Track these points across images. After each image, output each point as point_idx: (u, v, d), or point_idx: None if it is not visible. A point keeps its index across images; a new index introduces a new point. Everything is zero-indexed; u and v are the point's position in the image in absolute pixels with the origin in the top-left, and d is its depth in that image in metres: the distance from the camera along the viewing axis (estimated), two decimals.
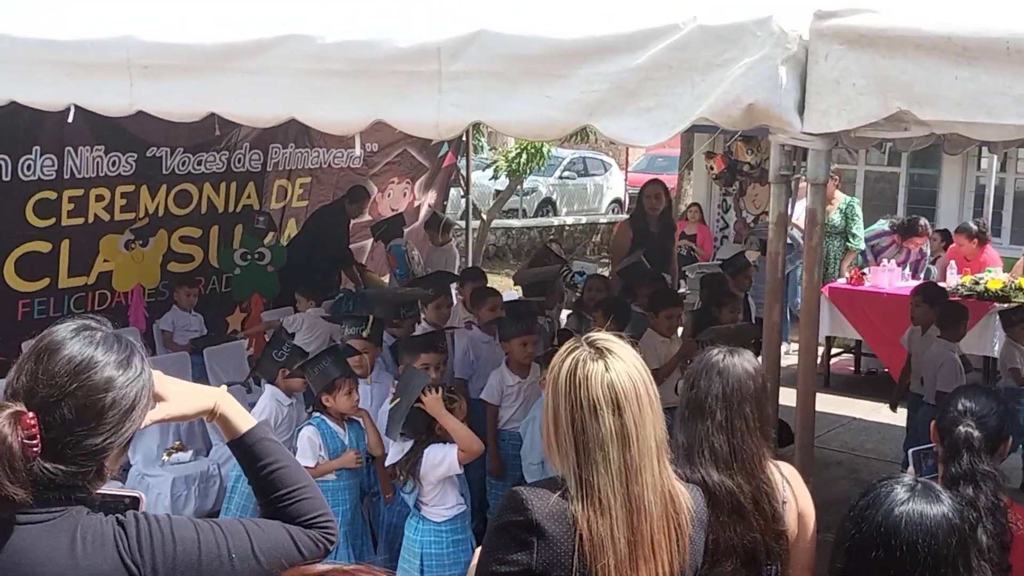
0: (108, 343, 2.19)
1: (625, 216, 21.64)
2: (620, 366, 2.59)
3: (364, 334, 6.39)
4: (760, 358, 3.69)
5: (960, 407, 3.35)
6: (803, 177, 3.90)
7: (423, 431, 5.17)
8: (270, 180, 10.29)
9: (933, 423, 3.46)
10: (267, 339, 9.11)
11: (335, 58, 4.64)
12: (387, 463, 5.36)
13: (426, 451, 5.11)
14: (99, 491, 2.19)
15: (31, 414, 2.04)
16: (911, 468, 3.79)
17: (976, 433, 3.27)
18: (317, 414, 5.76)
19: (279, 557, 2.26)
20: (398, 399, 5.29)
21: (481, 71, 4.30)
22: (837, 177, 12.25)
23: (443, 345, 6.48)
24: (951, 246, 11.22)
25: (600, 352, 2.60)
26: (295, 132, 10.07)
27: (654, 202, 9.72)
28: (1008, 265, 10.61)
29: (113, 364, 2.16)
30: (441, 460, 5.05)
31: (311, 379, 5.77)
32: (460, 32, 4.30)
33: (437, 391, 5.15)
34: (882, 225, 11.72)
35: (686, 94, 3.86)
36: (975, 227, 10.69)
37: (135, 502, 2.24)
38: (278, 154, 10.22)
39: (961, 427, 3.28)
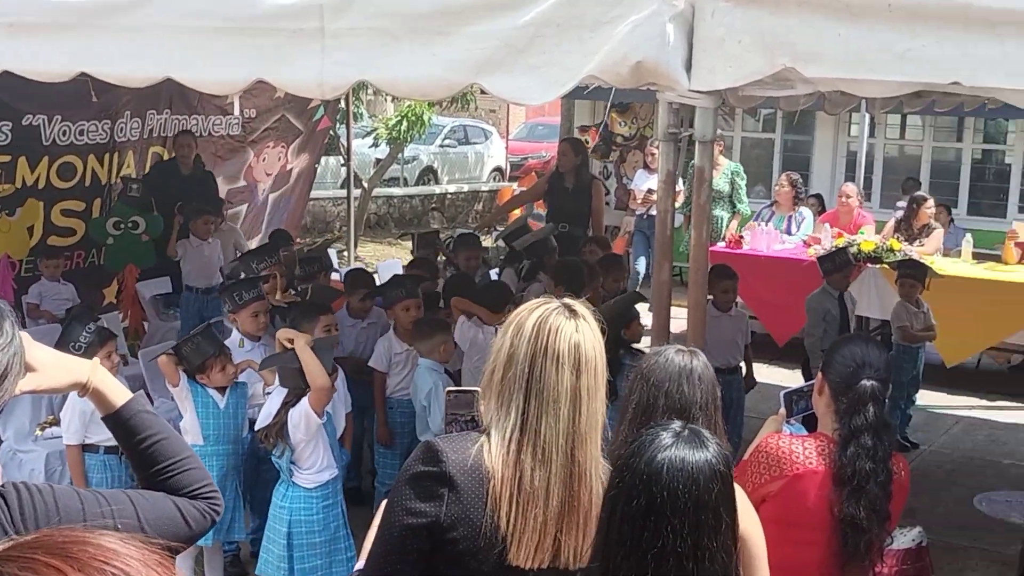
0: None
1: (507, 184, 21.71)
2: (588, 333, 2.56)
3: (277, 295, 6.27)
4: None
5: (856, 359, 3.38)
6: (691, 135, 3.92)
7: (298, 387, 5.07)
8: (144, 147, 9.97)
9: (821, 372, 3.50)
10: (145, 310, 8.93)
11: (213, 15, 4.50)
12: (256, 427, 5.26)
13: (289, 413, 5.03)
14: None
15: None
16: (782, 410, 3.85)
17: (879, 385, 3.33)
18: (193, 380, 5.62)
19: (165, 528, 2.19)
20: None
21: (365, 28, 4.22)
22: (722, 142, 12.45)
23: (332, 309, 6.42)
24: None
25: (573, 313, 2.57)
26: (171, 98, 9.78)
27: (563, 159, 9.82)
28: (879, 228, 10.93)
29: None
30: (300, 416, 4.98)
31: (184, 358, 5.62)
32: None
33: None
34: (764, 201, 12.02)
35: (575, 52, 3.84)
36: None
37: None
38: (153, 120, 9.91)
39: (865, 380, 3.32)
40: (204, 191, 9.68)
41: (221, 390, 5.63)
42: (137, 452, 2.32)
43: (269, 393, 5.40)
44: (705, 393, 2.99)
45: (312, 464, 5.11)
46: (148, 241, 9.32)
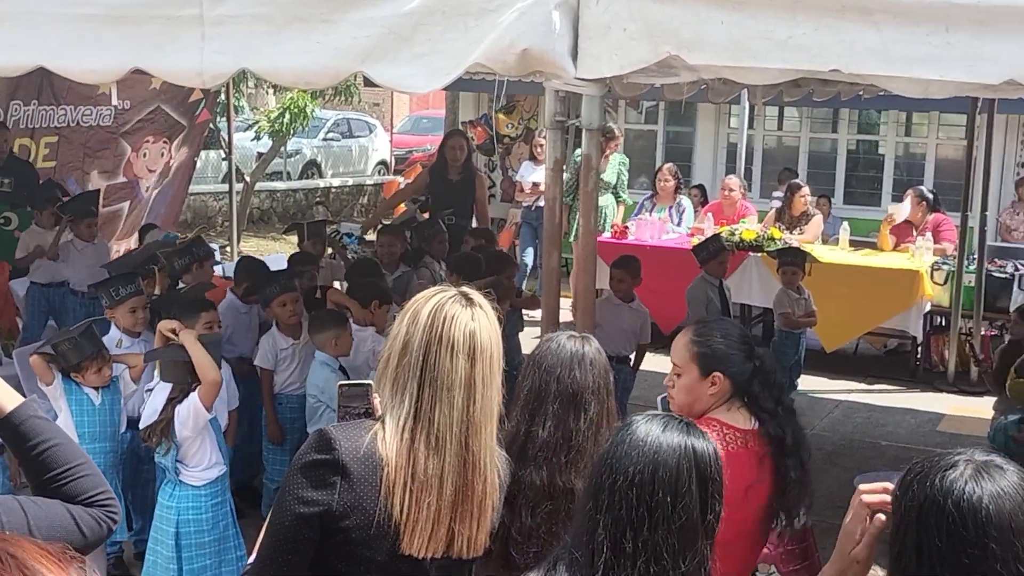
0: None
1: (392, 177, 21.59)
2: (484, 321, 2.56)
3: (157, 289, 6.08)
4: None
5: (743, 340, 3.41)
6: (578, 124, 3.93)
7: (183, 382, 4.95)
8: (11, 139, 9.59)
9: (715, 371, 3.53)
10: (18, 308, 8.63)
11: (87, 1, 4.36)
12: (141, 426, 5.10)
13: (176, 409, 4.92)
14: None
15: None
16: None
17: (768, 351, 3.42)
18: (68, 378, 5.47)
19: (58, 537, 2.11)
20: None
21: (246, 15, 4.14)
22: (620, 137, 12.52)
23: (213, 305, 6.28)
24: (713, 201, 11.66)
25: (469, 301, 2.57)
26: (39, 87, 9.46)
27: (456, 153, 9.84)
28: (761, 218, 11.15)
29: None
30: (188, 411, 4.87)
31: (61, 355, 5.46)
32: None
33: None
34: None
35: (459, 40, 3.82)
36: (930, 194, 10.78)
37: None
38: (19, 111, 9.56)
39: (759, 353, 3.38)
40: (23, 183, 9.24)
41: (96, 387, 5.49)
42: (29, 458, 2.26)
43: (150, 390, 5.25)
44: (597, 378, 2.98)
45: (200, 461, 4.99)
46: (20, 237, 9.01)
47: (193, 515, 4.95)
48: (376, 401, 2.68)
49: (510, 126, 15.89)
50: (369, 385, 2.77)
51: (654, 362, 9.94)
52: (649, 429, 2.21)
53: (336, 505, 2.45)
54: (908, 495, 1.96)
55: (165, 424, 4.92)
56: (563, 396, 2.94)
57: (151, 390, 5.19)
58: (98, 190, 10.10)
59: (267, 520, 2.57)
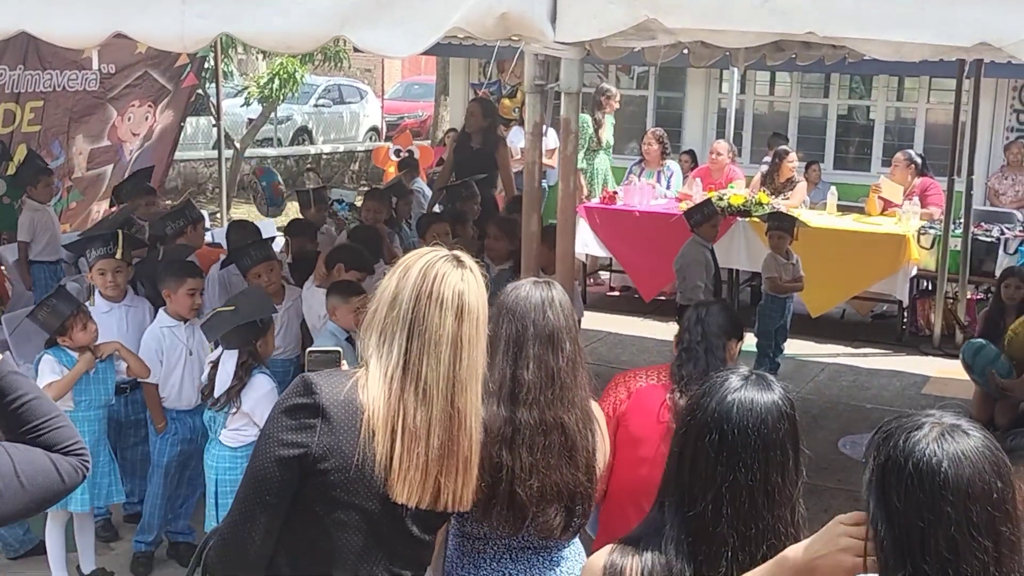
0: None
1: (383, 144, 21.53)
2: (473, 284, 2.63)
3: (117, 254, 6.07)
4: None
5: (701, 305, 3.81)
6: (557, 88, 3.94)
7: (248, 343, 5.13)
8: None
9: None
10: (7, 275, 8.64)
11: None
12: (216, 393, 5.18)
13: (256, 381, 5.10)
14: None
15: None
16: None
17: (705, 313, 3.69)
18: (55, 347, 5.47)
19: (41, 481, 2.29)
20: (232, 307, 5.24)
21: None
22: (616, 93, 12.57)
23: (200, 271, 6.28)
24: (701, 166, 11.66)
25: (460, 263, 2.64)
26: (24, 52, 9.43)
27: (470, 120, 10.00)
28: (748, 182, 11.16)
29: None
30: (263, 395, 5.06)
31: (41, 325, 5.47)
32: None
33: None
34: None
35: (439, 4, 3.81)
36: (918, 157, 10.83)
37: None
38: (4, 76, 9.52)
39: (691, 310, 3.73)
40: None
41: (89, 348, 5.48)
42: (8, 412, 2.38)
43: (213, 362, 5.32)
44: (568, 319, 3.08)
45: (244, 424, 5.12)
46: (9, 204, 9.03)
47: (230, 476, 5.10)
48: (344, 367, 2.74)
49: (516, 111, 15.87)
50: (338, 352, 2.84)
51: (641, 327, 10.05)
52: (752, 399, 2.27)
53: (315, 447, 2.51)
54: (874, 453, 1.97)
55: (239, 388, 5.10)
56: (541, 337, 3.01)
57: (214, 362, 5.31)
58: (151, 167, 10.18)
59: (247, 466, 2.62)
